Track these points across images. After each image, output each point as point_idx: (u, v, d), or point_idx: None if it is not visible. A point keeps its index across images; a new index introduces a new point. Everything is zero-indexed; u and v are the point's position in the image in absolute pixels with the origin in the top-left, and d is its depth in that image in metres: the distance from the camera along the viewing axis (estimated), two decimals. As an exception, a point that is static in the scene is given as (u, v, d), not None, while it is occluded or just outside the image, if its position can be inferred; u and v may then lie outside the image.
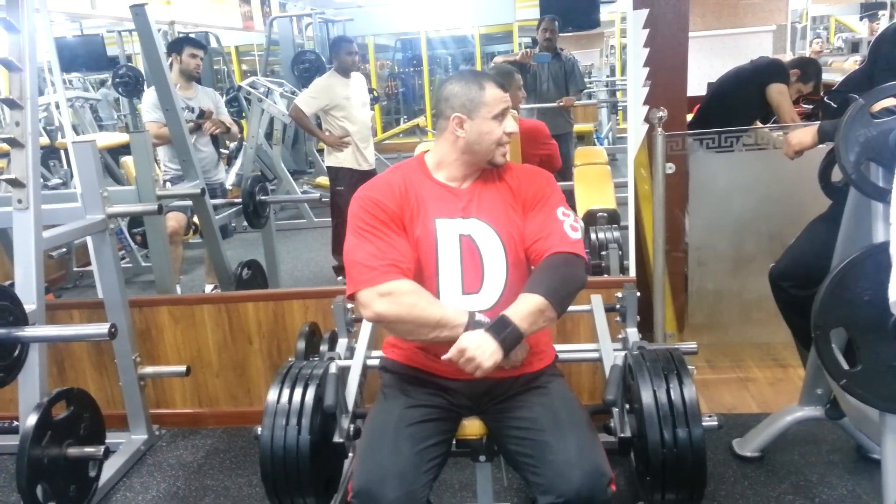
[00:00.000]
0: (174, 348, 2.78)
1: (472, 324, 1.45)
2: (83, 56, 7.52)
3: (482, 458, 1.63)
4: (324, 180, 5.44)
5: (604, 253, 2.80)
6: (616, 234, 2.87)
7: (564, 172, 3.68)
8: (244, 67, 10.75)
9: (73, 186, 2.97)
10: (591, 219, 2.97)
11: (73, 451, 2.06)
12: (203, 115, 3.76)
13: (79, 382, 2.78)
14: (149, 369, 2.62)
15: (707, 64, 4.62)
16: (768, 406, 2.53)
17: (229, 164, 5.96)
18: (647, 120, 2.53)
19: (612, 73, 10.76)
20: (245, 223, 4.15)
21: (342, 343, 2.12)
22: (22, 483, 1.89)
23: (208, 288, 4.01)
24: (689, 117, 3.29)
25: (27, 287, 2.11)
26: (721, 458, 2.29)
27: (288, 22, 7.98)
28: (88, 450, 2.10)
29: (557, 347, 1.78)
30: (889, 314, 1.48)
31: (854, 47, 10.44)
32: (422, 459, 1.41)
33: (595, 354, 1.98)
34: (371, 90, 6.17)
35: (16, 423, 2.23)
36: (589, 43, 12.08)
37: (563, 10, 6.21)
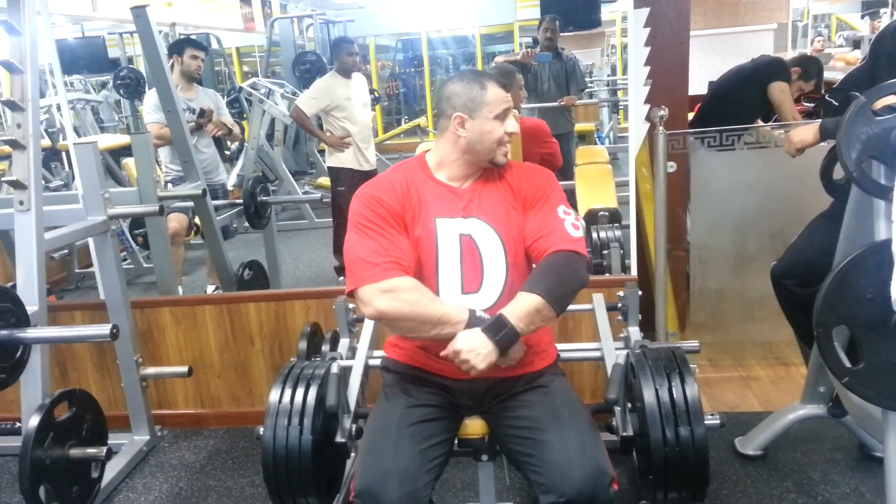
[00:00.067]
0: (176, 349, 2.78)
1: (473, 320, 1.45)
2: (84, 58, 7.54)
3: (484, 457, 1.63)
4: (325, 181, 5.44)
5: (605, 252, 2.80)
6: (617, 232, 2.87)
7: (566, 171, 3.68)
8: (245, 69, 10.76)
9: (74, 188, 2.97)
10: (592, 218, 2.97)
11: (75, 452, 2.07)
12: (203, 114, 3.76)
13: (81, 383, 2.78)
14: (151, 370, 2.62)
15: (708, 63, 4.62)
16: (770, 404, 2.53)
17: (231, 164, 5.96)
18: (648, 119, 2.52)
19: (613, 72, 10.75)
20: (246, 224, 4.15)
21: (344, 343, 2.12)
22: (25, 484, 1.89)
23: (210, 289, 4.01)
24: (691, 116, 3.28)
25: (29, 288, 2.11)
26: (723, 456, 2.29)
27: (289, 23, 7.99)
28: (91, 451, 2.10)
29: (559, 347, 1.77)
30: (891, 312, 1.47)
31: (855, 45, 10.42)
32: (424, 459, 1.41)
33: (597, 353, 1.98)
34: (372, 91, 6.18)
35: (18, 424, 2.23)
36: (590, 42, 12.08)
37: (564, 10, 6.22)
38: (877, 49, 2.08)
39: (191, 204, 3.56)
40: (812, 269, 2.03)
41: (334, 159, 4.27)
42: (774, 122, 3.42)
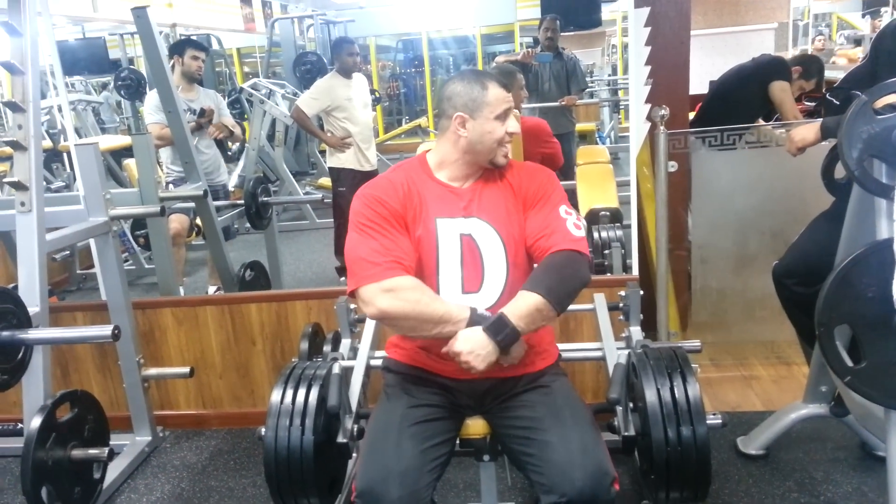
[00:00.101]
0: (177, 350, 2.78)
1: (475, 318, 1.45)
2: (85, 59, 7.54)
3: (486, 457, 1.63)
4: (326, 181, 5.44)
5: (606, 252, 2.80)
6: (619, 232, 2.86)
7: (567, 171, 3.68)
8: (246, 69, 10.76)
9: (75, 189, 2.98)
10: (593, 217, 2.96)
11: (77, 453, 2.07)
12: (204, 114, 3.76)
13: (83, 384, 2.79)
14: (152, 371, 2.63)
15: (709, 62, 4.61)
16: (772, 404, 2.53)
17: (234, 163, 5.97)
18: (649, 118, 2.52)
19: (614, 71, 10.75)
20: (248, 225, 4.15)
21: (345, 343, 2.12)
22: (27, 485, 1.90)
23: (211, 289, 4.02)
24: (692, 115, 3.28)
25: (30, 289, 2.11)
26: (725, 456, 2.29)
27: (289, 23, 7.99)
28: (93, 452, 2.11)
29: (560, 346, 1.77)
30: (893, 310, 1.47)
31: (856, 44, 10.41)
32: (425, 459, 1.41)
33: (598, 353, 1.98)
34: (373, 91, 6.18)
35: (20, 425, 2.23)
36: (590, 42, 12.08)
37: (565, 10, 6.21)
38: (878, 48, 2.08)
39: (192, 205, 3.56)
40: (813, 268, 2.02)
41: (335, 160, 4.27)
42: (775, 121, 3.41)
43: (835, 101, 2.20)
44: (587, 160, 3.50)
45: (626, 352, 1.83)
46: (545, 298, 1.42)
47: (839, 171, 2.10)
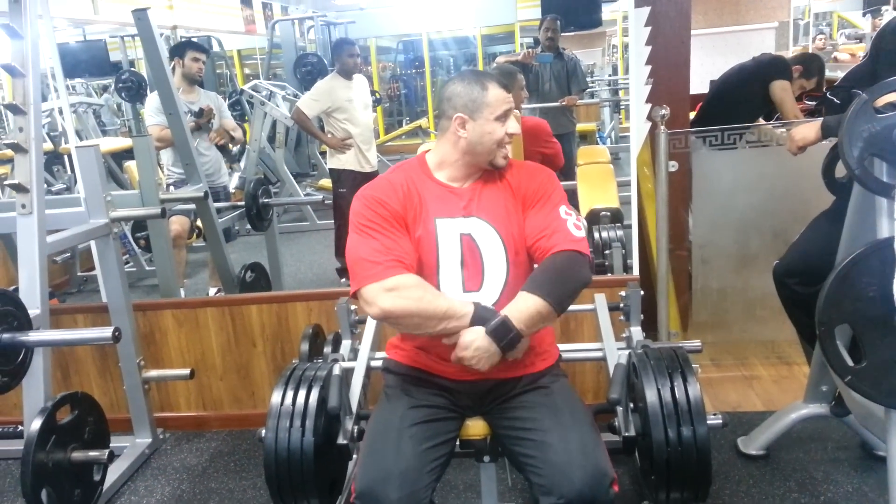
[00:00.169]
0: (178, 352, 2.78)
1: (479, 311, 1.46)
2: (86, 61, 7.55)
3: (486, 458, 1.63)
4: (326, 182, 5.44)
5: (607, 252, 2.80)
6: (619, 232, 2.86)
7: (567, 172, 3.68)
8: (246, 71, 10.76)
9: (76, 191, 2.98)
10: (594, 218, 2.96)
11: (77, 455, 2.07)
12: (202, 114, 3.75)
13: (83, 386, 2.79)
14: (153, 373, 2.63)
15: (709, 61, 4.62)
16: (773, 404, 2.52)
17: (232, 167, 5.97)
18: (649, 118, 2.52)
19: (615, 71, 10.75)
20: (248, 226, 4.16)
21: (346, 344, 2.12)
22: (27, 487, 1.90)
23: (212, 291, 4.02)
24: (692, 115, 3.28)
25: (31, 292, 2.12)
26: (726, 456, 2.28)
27: (290, 25, 7.99)
28: (93, 454, 2.11)
29: (561, 347, 1.77)
30: (894, 310, 1.47)
31: (858, 42, 10.41)
32: (425, 460, 1.41)
33: (599, 353, 1.98)
34: (373, 92, 6.18)
35: (20, 427, 2.23)
36: (591, 42, 12.10)
37: (565, 10, 6.21)
38: (878, 46, 2.08)
39: (193, 206, 3.56)
40: (814, 267, 2.02)
41: (335, 161, 4.27)
42: (776, 120, 3.41)
43: (835, 99, 2.20)
44: (588, 160, 3.50)
45: (627, 352, 1.83)
46: (546, 300, 1.43)
47: (840, 170, 2.10)
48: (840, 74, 2.76)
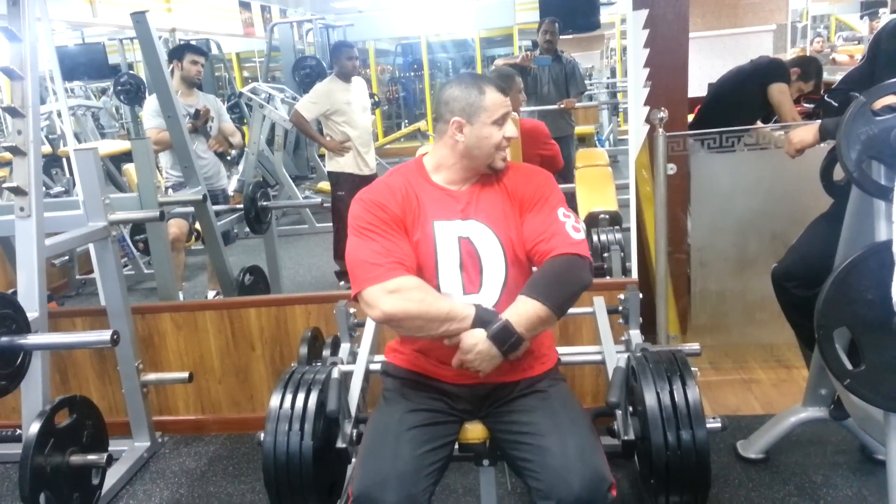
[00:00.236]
0: (177, 355, 2.78)
1: (480, 313, 1.46)
2: (85, 64, 7.55)
3: (485, 462, 1.62)
4: (325, 185, 5.45)
5: (606, 255, 2.80)
6: (618, 235, 2.87)
7: (566, 174, 3.68)
8: (245, 74, 10.77)
9: (75, 194, 2.98)
10: (592, 220, 2.97)
11: (75, 458, 2.06)
12: (198, 115, 3.74)
13: (81, 390, 2.78)
14: (151, 376, 2.62)
15: (708, 64, 4.62)
16: (772, 407, 2.52)
17: (230, 169, 5.97)
18: (647, 121, 2.52)
19: (613, 74, 10.77)
20: (247, 229, 4.15)
21: (345, 348, 2.12)
22: (25, 491, 1.89)
23: (210, 294, 4.01)
24: (690, 118, 3.28)
25: (30, 295, 2.11)
26: (725, 460, 2.28)
27: (288, 28, 8.00)
28: (91, 457, 2.10)
29: (560, 350, 1.77)
30: (892, 313, 1.47)
31: (857, 44, 10.45)
32: (422, 463, 1.41)
33: (598, 357, 1.98)
34: (372, 95, 6.18)
35: (19, 431, 2.23)
36: (589, 45, 12.10)
37: (563, 13, 6.22)
38: (875, 49, 2.08)
39: (191, 209, 3.56)
40: (813, 270, 2.02)
41: (334, 164, 4.27)
42: (774, 123, 3.42)
43: (833, 102, 2.20)
44: (586, 163, 3.50)
45: (626, 355, 1.83)
46: (545, 305, 1.43)
47: (838, 173, 2.10)
48: (838, 77, 2.76)
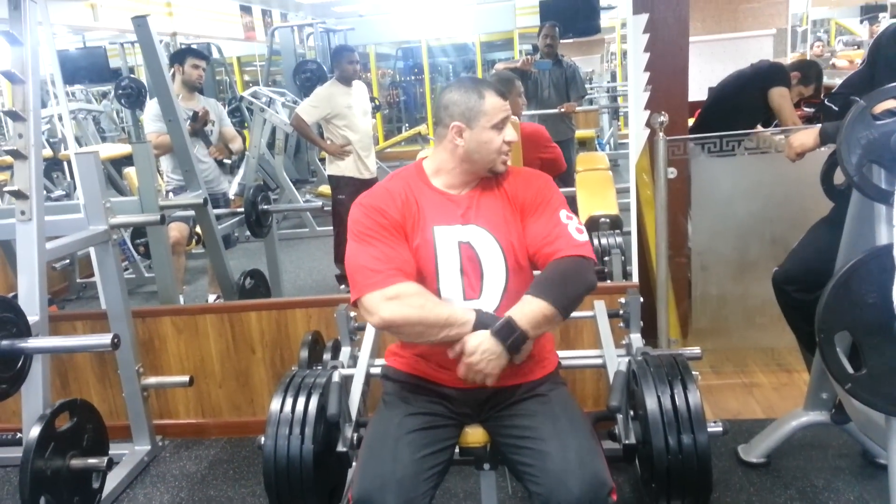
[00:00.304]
0: (177, 358, 2.78)
1: (481, 317, 1.44)
2: (86, 68, 7.55)
3: (486, 466, 1.62)
4: (326, 189, 5.44)
5: (606, 258, 2.79)
6: (619, 239, 2.86)
7: (566, 178, 3.68)
8: (246, 78, 10.79)
9: (76, 198, 2.98)
10: (593, 224, 2.96)
11: (76, 462, 2.06)
12: (196, 117, 3.73)
13: (82, 394, 2.78)
14: (152, 380, 2.62)
15: (708, 68, 4.61)
16: (773, 411, 2.52)
17: (231, 173, 5.97)
18: (648, 125, 2.53)
19: (613, 78, 10.78)
20: (247, 233, 4.15)
21: (345, 351, 2.12)
22: (25, 495, 1.89)
23: (211, 298, 4.01)
24: (691, 122, 3.29)
25: (30, 298, 2.11)
26: (726, 464, 2.28)
27: (289, 32, 8.01)
28: (92, 461, 2.10)
29: (560, 354, 1.77)
30: (893, 317, 1.47)
31: (856, 48, 10.46)
32: (422, 467, 1.41)
33: (599, 361, 1.98)
34: (372, 99, 6.19)
35: (19, 434, 2.23)
36: (589, 49, 12.11)
37: (564, 17, 6.23)
38: (875, 53, 2.09)
39: (192, 213, 3.56)
40: (813, 274, 2.02)
41: (335, 167, 4.28)
42: (774, 127, 3.42)
43: (833, 106, 2.21)
44: (587, 167, 3.50)
45: (627, 359, 1.83)
46: (552, 305, 1.42)
47: (838, 177, 2.10)
48: (838, 81, 2.76)
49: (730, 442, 2.33)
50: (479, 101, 1.51)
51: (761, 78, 3.39)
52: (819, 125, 2.15)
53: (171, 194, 3.71)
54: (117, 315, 2.53)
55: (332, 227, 4.60)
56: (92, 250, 2.60)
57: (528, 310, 1.42)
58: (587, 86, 7.95)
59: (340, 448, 1.69)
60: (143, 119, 4.33)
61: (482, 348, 1.42)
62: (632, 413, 1.70)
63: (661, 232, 2.53)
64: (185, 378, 2.58)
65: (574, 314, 1.99)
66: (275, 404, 1.68)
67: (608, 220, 2.96)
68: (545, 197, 1.57)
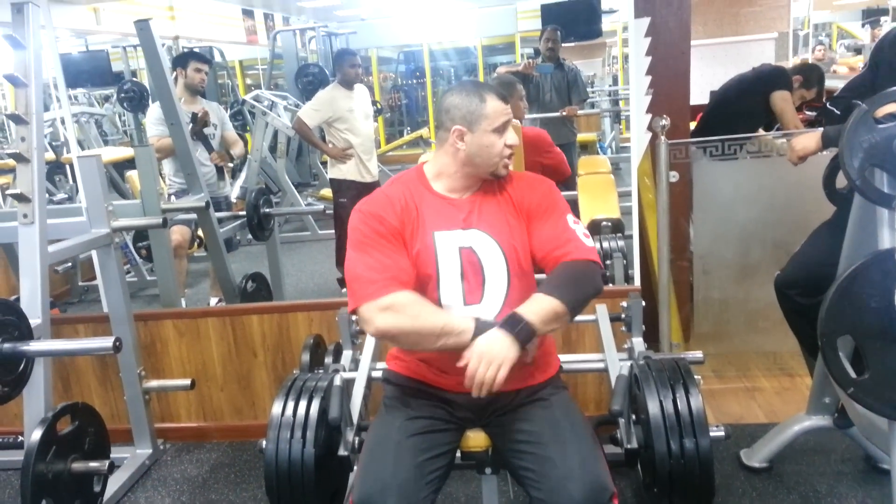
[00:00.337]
0: (179, 362, 2.78)
1: (480, 326, 1.42)
2: (88, 72, 7.57)
3: (488, 470, 1.62)
4: (328, 192, 5.45)
5: (608, 262, 2.79)
6: (620, 243, 2.86)
7: (568, 182, 3.68)
8: (248, 81, 10.81)
9: (78, 201, 2.99)
10: (595, 228, 2.96)
11: (77, 465, 2.06)
12: (196, 119, 3.73)
13: (84, 397, 2.78)
14: (153, 383, 2.62)
15: (710, 72, 4.62)
16: (776, 416, 2.51)
17: (233, 177, 5.98)
18: (650, 128, 2.52)
19: (615, 82, 10.79)
20: (249, 236, 4.16)
21: (347, 355, 2.12)
22: (26, 498, 1.89)
23: (213, 301, 4.01)
24: (693, 125, 3.29)
25: (32, 301, 2.12)
26: (728, 468, 2.27)
27: (291, 35, 8.03)
28: (93, 464, 2.10)
29: (562, 358, 1.77)
30: (896, 321, 1.47)
31: (856, 53, 10.46)
32: (423, 471, 1.40)
33: (600, 365, 1.97)
34: (374, 102, 6.20)
35: (21, 437, 2.23)
36: (591, 53, 12.13)
37: (566, 21, 6.25)
38: (877, 57, 2.09)
39: (194, 216, 3.56)
40: (816, 278, 2.02)
41: (336, 171, 4.28)
42: (776, 130, 3.42)
43: (835, 110, 2.21)
44: (588, 171, 3.50)
45: (629, 363, 1.83)
46: (561, 301, 1.41)
47: (840, 181, 2.10)
48: (840, 85, 2.76)
49: (732, 446, 2.33)
50: (480, 105, 1.51)
51: (763, 81, 3.39)
52: (821, 129, 2.15)
53: (173, 197, 3.71)
54: (119, 318, 2.54)
55: (333, 231, 4.60)
56: (94, 253, 2.60)
57: (538, 305, 1.41)
58: (589, 89, 7.95)
59: (342, 452, 1.69)
60: (145, 122, 4.34)
61: (491, 338, 1.38)
62: (634, 417, 1.70)
63: (662, 235, 2.53)
64: (187, 381, 2.58)
65: (576, 318, 2.00)
66: (276, 408, 1.68)
67: (610, 224, 2.96)
68: (552, 202, 1.57)
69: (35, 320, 2.06)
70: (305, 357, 2.26)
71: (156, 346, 2.77)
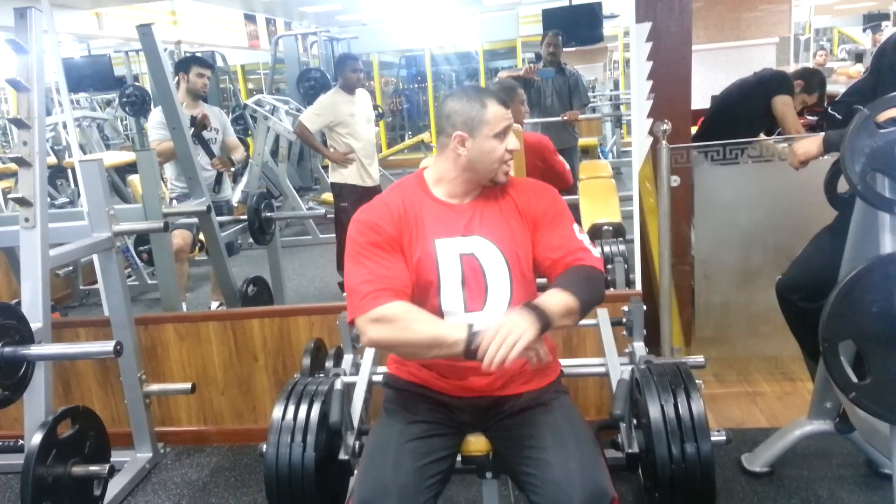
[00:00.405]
0: (179, 366, 2.78)
1: (471, 337, 1.36)
2: (90, 76, 7.59)
3: (488, 475, 1.61)
4: (329, 197, 5.46)
5: (609, 266, 2.79)
6: (622, 247, 2.86)
7: (569, 188, 3.68)
8: (250, 86, 10.84)
9: (80, 205, 2.99)
10: (596, 232, 2.96)
11: (77, 469, 2.06)
12: (195, 121, 3.72)
13: (84, 401, 2.78)
14: (154, 387, 2.62)
15: (711, 77, 4.62)
16: (777, 420, 2.51)
17: (235, 181, 5.99)
18: (651, 133, 2.53)
19: (616, 86, 10.79)
20: (251, 240, 4.16)
21: (347, 359, 2.12)
22: (27, 502, 1.89)
23: (214, 305, 4.02)
24: (694, 130, 3.29)
25: (33, 305, 2.12)
26: (730, 473, 2.27)
27: (293, 40, 8.06)
28: (93, 468, 2.10)
29: (563, 362, 1.77)
30: (898, 326, 1.47)
31: (857, 58, 10.47)
32: (423, 475, 1.40)
33: (602, 369, 1.97)
34: (376, 107, 6.21)
35: (21, 441, 2.23)
36: (592, 57, 12.12)
37: (567, 26, 6.26)
38: (879, 62, 2.09)
39: (195, 220, 3.57)
40: (817, 283, 2.01)
41: (338, 175, 4.28)
42: (778, 135, 3.42)
43: (837, 115, 2.20)
44: (590, 175, 3.50)
45: (630, 367, 1.83)
46: (576, 298, 1.40)
47: (842, 185, 2.10)
48: (841, 90, 2.77)
49: (733, 451, 2.32)
50: (481, 111, 1.51)
51: (764, 86, 3.39)
52: (822, 133, 2.15)
53: (174, 202, 3.72)
54: (120, 322, 2.54)
55: (334, 235, 4.61)
56: (95, 257, 2.60)
57: (554, 299, 1.39)
58: (590, 94, 7.96)
59: (342, 456, 1.69)
60: (147, 127, 4.35)
61: (511, 315, 1.33)
62: (635, 422, 1.70)
63: (664, 240, 2.53)
64: (188, 385, 2.58)
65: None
66: (277, 412, 1.68)
67: (611, 228, 2.96)
68: (558, 210, 1.58)
69: (36, 324, 2.06)
70: (306, 361, 2.26)
71: (156, 349, 2.77)
